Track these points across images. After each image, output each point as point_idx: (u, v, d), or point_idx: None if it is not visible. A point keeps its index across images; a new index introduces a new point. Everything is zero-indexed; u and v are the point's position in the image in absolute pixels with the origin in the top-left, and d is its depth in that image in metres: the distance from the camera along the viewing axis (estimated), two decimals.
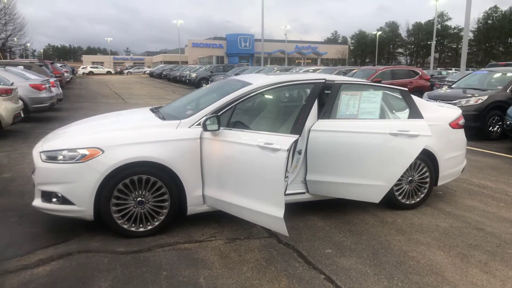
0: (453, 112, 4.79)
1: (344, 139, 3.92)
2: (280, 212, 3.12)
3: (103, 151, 3.51)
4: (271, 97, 4.24)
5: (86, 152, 3.51)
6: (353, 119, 3.98)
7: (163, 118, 4.06)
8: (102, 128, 4.02)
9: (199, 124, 3.76)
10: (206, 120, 3.54)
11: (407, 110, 4.06)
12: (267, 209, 3.21)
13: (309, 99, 3.35)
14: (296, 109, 4.26)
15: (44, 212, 3.74)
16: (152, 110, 4.66)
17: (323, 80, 3.47)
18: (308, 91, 4.13)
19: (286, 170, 3.08)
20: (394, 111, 4.14)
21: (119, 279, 3.00)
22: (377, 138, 3.89)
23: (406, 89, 4.18)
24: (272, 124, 4.27)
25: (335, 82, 4.10)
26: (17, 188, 5.06)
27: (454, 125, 4.65)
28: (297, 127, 3.13)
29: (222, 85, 4.82)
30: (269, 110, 4.44)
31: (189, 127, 3.76)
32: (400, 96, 4.15)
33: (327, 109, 4.05)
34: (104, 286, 2.89)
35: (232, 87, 4.19)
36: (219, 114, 3.68)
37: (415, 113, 4.01)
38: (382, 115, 4.04)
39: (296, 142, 3.57)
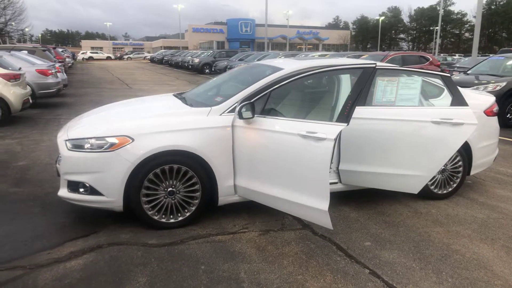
0: (488, 99, 4.61)
1: (382, 127, 3.75)
2: (324, 205, 2.97)
3: (133, 140, 3.35)
4: (305, 83, 4.06)
5: (115, 140, 3.35)
6: (390, 106, 3.81)
7: (191, 105, 3.89)
8: (129, 116, 3.85)
9: (230, 111, 3.60)
10: (241, 107, 3.37)
11: (450, 96, 3.89)
12: (310, 201, 3.07)
13: (357, 85, 3.17)
14: (330, 96, 4.08)
15: (67, 202, 3.61)
16: (176, 96, 4.49)
17: (374, 65, 3.29)
18: (343, 77, 3.96)
19: (331, 161, 2.92)
20: (434, 98, 3.97)
21: (157, 273, 2.87)
22: (418, 126, 3.73)
23: (448, 74, 4.00)
24: (309, 112, 4.10)
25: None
26: (35, 176, 4.91)
27: (488, 112, 4.48)
28: (345, 116, 2.96)
29: (248, 71, 4.64)
30: (303, 97, 4.26)
31: (220, 115, 3.60)
32: (441, 82, 3.97)
33: (362, 96, 3.87)
34: (142, 282, 2.77)
35: (261, 73, 4.01)
36: (252, 101, 3.49)
37: (458, 100, 3.83)
38: (422, 102, 3.87)
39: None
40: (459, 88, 4.10)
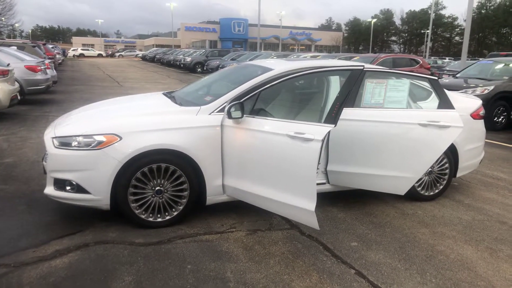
0: (474, 102, 4.68)
1: (370, 128, 3.79)
2: (311, 205, 2.99)
3: (120, 138, 3.33)
4: (294, 84, 4.08)
5: (102, 138, 3.33)
6: (378, 108, 3.85)
7: (180, 104, 3.88)
8: (118, 114, 3.83)
9: (219, 111, 3.60)
10: (230, 107, 3.37)
11: (437, 99, 3.93)
12: (297, 202, 3.08)
13: (345, 87, 3.19)
14: (319, 97, 4.11)
15: (54, 200, 3.58)
16: (165, 94, 4.47)
17: (362, 67, 3.32)
18: (332, 78, 3.99)
19: (318, 162, 2.94)
20: (421, 101, 4.01)
21: (143, 272, 2.86)
22: (405, 128, 3.77)
23: (436, 78, 4.05)
24: (298, 113, 4.11)
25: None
26: (21, 174, 4.86)
27: (475, 115, 4.55)
28: (332, 117, 2.98)
29: (238, 71, 4.64)
30: (293, 98, 4.28)
31: (209, 114, 3.60)
32: (428, 85, 4.02)
33: (350, 97, 3.89)
34: (128, 280, 2.76)
35: (251, 73, 4.02)
36: (241, 100, 3.50)
37: (445, 103, 3.88)
38: (409, 105, 3.91)
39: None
40: (446, 91, 4.15)
